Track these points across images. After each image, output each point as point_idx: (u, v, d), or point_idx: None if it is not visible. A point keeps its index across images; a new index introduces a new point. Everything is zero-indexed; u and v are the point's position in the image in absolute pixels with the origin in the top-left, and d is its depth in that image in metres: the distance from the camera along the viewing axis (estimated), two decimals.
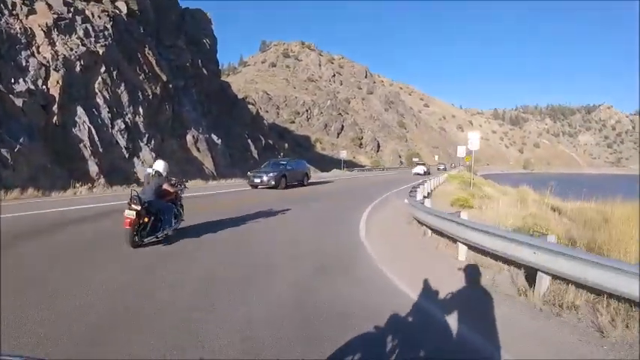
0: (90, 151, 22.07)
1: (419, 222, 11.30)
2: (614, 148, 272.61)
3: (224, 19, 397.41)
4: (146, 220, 8.12)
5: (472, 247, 7.72)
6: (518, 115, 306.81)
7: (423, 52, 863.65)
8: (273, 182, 22.54)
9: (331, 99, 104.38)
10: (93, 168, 21.80)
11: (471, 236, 7.38)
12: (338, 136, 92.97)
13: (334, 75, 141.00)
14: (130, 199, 7.78)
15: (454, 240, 8.35)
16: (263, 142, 51.31)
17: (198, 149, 33.51)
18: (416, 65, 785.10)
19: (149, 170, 8.89)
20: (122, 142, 24.92)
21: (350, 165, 68.21)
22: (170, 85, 32.73)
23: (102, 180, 21.38)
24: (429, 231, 10.21)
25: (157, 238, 8.34)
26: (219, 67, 55.83)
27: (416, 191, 16.03)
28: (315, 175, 45.59)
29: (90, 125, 22.65)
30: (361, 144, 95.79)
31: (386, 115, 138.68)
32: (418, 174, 50.99)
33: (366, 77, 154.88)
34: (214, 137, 37.56)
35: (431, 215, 9.77)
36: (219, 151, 37.06)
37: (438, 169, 76.48)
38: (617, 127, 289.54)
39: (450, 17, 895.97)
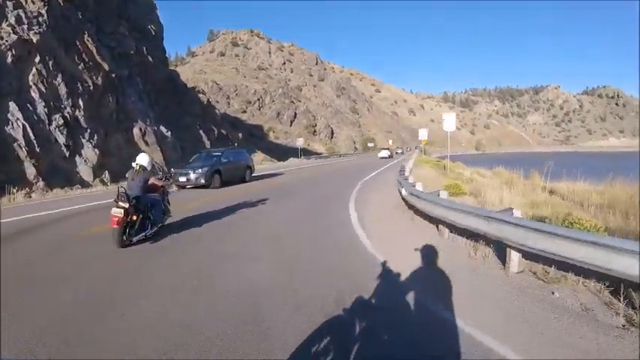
0: (25, 152, 20.05)
1: (430, 219, 9.14)
2: (562, 127, 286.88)
3: (170, 8, 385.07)
4: (134, 217, 7.78)
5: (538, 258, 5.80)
6: (467, 97, 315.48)
7: (372, 38, 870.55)
8: (203, 180, 18.05)
9: (282, 87, 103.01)
10: (30, 170, 19.79)
11: (537, 243, 5.24)
12: (291, 124, 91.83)
13: (284, 63, 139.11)
14: (117, 196, 7.51)
15: (502, 247, 6.13)
16: (216, 132, 49.27)
17: (146, 143, 31.39)
18: (366, 52, 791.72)
19: (133, 165, 8.41)
20: (61, 140, 22.80)
21: (305, 153, 67.10)
22: (113, 75, 30.42)
23: (40, 183, 19.51)
24: (446, 231, 8.10)
25: (146, 236, 8.07)
26: (167, 56, 53.17)
27: (406, 180, 12.20)
28: (271, 165, 44.42)
29: (24, 122, 20.59)
30: (315, 131, 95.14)
31: (338, 102, 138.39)
32: (384, 157, 58.29)
33: (316, 64, 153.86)
34: (163, 129, 35.34)
35: (456, 211, 7.36)
36: (169, 144, 34.99)
37: (397, 152, 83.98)
38: (565, 107, 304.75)
39: (396, 5, 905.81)
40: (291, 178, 24.28)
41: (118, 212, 7.34)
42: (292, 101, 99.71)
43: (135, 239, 7.75)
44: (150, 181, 8.46)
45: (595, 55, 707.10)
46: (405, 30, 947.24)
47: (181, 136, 39.72)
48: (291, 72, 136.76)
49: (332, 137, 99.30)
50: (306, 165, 42.08)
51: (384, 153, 62.38)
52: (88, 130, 25.35)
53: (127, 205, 7.45)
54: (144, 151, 9.77)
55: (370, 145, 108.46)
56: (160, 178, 9.13)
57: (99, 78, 28.26)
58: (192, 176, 18.04)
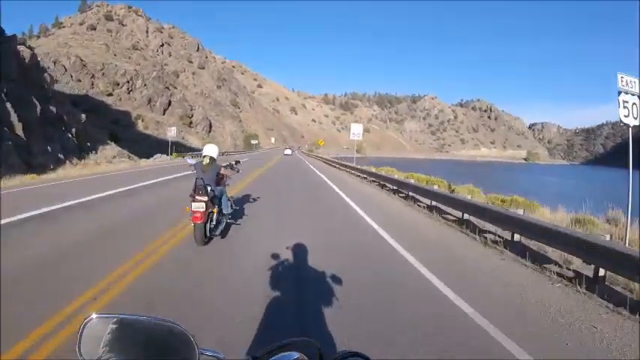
0: None
1: None
2: (438, 135, 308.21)
3: None
4: (214, 211, 7.75)
5: None
6: (347, 101, 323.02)
7: (255, 32, 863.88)
8: None
9: (158, 70, 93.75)
10: None
11: None
12: (164, 113, 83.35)
13: (163, 45, 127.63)
14: (195, 189, 7.34)
15: None
16: (38, 109, 29.28)
17: None
18: (250, 45, 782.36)
19: (191, 161, 8.53)
20: None
21: (179, 148, 59.34)
22: None
23: None
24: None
25: (222, 230, 8.07)
26: None
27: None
28: (129, 165, 35.82)
29: None
30: (191, 123, 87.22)
31: (219, 93, 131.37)
32: (287, 154, 74.60)
33: (197, 50, 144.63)
34: None
35: None
36: None
37: (293, 150, 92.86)
38: (440, 116, 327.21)
39: (283, 4, 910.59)
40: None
41: (199, 207, 7.09)
42: (167, 87, 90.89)
43: (215, 235, 7.75)
44: (221, 172, 8.32)
45: (469, 71, 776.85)
46: (289, 28, 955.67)
47: None
48: (169, 55, 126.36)
49: (210, 131, 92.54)
50: (171, 175, 23.51)
51: (288, 151, 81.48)
52: None
53: (206, 198, 7.23)
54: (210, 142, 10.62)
55: (254, 142, 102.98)
56: (227, 168, 8.94)
57: None
58: None
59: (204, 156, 8.06)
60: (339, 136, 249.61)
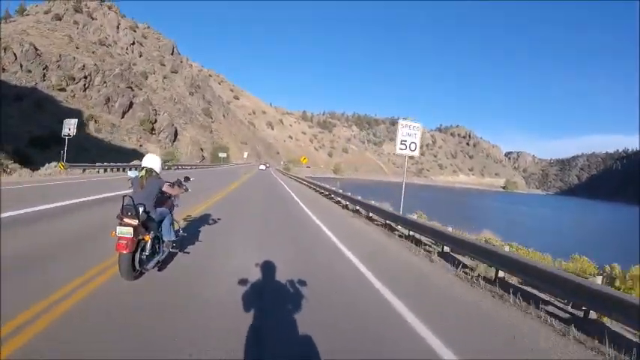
0: None
1: None
2: (416, 159, 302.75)
3: None
4: (146, 237, 5.98)
5: None
6: (326, 119, 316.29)
7: (237, 44, 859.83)
8: None
9: (124, 69, 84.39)
10: None
11: None
12: (123, 116, 73.75)
13: (134, 43, 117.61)
14: (122, 210, 5.62)
15: None
16: None
17: None
18: (226, 56, 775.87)
19: (132, 174, 6.56)
20: None
21: (131, 156, 50.43)
22: None
23: None
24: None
25: (159, 262, 6.46)
26: None
27: None
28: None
29: None
30: (153, 129, 77.32)
31: (190, 100, 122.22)
32: (262, 169, 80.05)
33: (172, 54, 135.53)
34: None
35: None
36: None
37: (267, 166, 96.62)
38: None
39: (257, 17, 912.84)
40: None
41: (125, 232, 5.46)
42: (131, 87, 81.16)
43: (149, 267, 6.14)
44: (164, 190, 6.56)
45: (448, 97, 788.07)
46: (270, 43, 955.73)
47: None
48: (140, 56, 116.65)
49: (175, 139, 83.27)
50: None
51: (262, 167, 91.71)
52: None
53: (136, 222, 5.58)
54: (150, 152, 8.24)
55: (222, 155, 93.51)
56: (173, 185, 6.97)
57: None
58: None
59: (142, 168, 6.29)
60: (316, 155, 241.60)
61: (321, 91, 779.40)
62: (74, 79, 72.24)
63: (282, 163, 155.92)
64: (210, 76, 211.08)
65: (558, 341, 5.46)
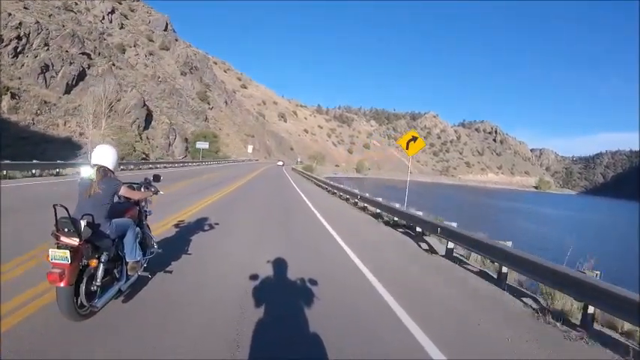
0: None
1: None
2: (440, 157, 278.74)
3: None
4: (93, 263, 4.03)
5: None
6: (342, 114, 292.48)
7: (248, 35, 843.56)
8: None
9: (82, 32, 62.43)
10: None
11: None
12: (68, 91, 51.71)
13: (113, 12, 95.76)
14: (57, 226, 3.77)
15: None
16: None
17: None
18: (240, 47, 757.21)
19: (84, 172, 4.38)
20: None
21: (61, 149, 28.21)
22: None
23: None
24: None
25: (121, 291, 4.55)
26: None
27: None
28: None
29: None
30: (111, 110, 54.01)
31: (182, 81, 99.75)
32: (279, 165, 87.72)
33: (165, 30, 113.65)
34: None
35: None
36: None
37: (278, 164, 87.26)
38: (442, 136, 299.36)
39: (279, 6, 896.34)
40: None
41: (61, 257, 3.57)
42: (89, 55, 59.24)
43: (100, 304, 4.06)
44: (121, 194, 4.55)
45: (470, 90, 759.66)
46: (284, 34, 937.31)
47: None
48: (120, 27, 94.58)
49: (147, 127, 60.99)
50: None
51: (280, 162, 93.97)
52: None
53: (76, 242, 3.73)
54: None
55: (201, 145, 67.18)
56: (136, 187, 5.21)
57: None
58: None
59: (94, 165, 4.35)
60: (334, 151, 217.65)
61: (336, 86, 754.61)
62: (2, 40, 50.36)
63: (297, 160, 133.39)
64: (215, 63, 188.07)
65: None
